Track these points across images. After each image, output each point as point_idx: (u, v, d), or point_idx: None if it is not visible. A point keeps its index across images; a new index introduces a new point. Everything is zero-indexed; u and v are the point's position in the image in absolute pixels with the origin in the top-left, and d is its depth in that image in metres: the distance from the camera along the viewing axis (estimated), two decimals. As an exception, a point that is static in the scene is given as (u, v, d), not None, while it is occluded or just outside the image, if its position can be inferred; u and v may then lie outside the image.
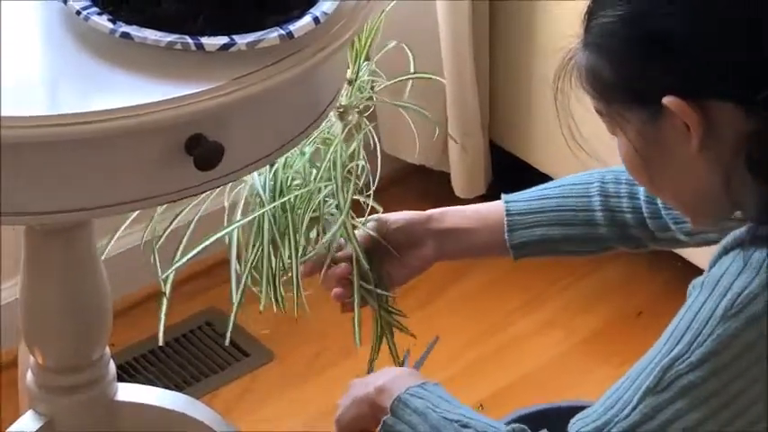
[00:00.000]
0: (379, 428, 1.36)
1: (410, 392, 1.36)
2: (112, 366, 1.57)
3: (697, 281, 1.23)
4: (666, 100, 1.23)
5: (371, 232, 1.58)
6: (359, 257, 1.57)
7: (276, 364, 2.11)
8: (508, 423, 1.31)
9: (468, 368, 2.00)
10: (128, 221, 1.64)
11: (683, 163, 1.29)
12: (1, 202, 1.20)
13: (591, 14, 1.29)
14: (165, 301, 1.61)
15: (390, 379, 1.40)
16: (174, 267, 1.60)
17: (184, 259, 1.59)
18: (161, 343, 1.58)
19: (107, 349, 1.55)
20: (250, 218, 1.60)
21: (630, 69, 1.27)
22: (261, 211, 1.59)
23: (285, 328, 1.97)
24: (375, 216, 1.60)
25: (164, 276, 1.60)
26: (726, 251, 1.22)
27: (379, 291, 1.60)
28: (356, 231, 1.58)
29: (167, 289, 1.61)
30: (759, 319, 1.18)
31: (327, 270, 1.59)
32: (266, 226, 1.60)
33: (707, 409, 1.19)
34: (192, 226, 1.61)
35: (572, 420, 1.24)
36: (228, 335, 1.73)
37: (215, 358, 2.13)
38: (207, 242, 1.59)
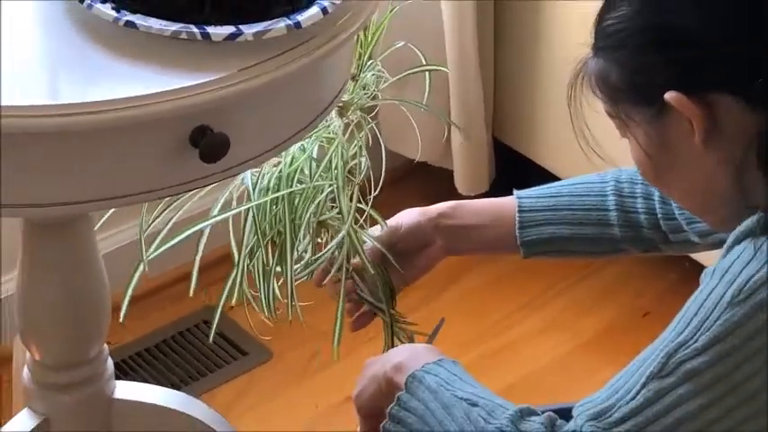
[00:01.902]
0: (392, 404, 1.37)
1: (425, 369, 1.37)
2: (110, 363, 1.57)
3: (708, 269, 1.24)
4: (668, 95, 1.25)
5: (379, 246, 1.59)
6: (366, 269, 1.59)
7: (274, 364, 2.13)
8: None
9: (469, 368, 2.00)
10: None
11: (690, 161, 1.30)
12: (0, 194, 1.20)
13: (599, 21, 1.33)
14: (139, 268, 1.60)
15: (408, 356, 1.41)
16: (151, 254, 1.60)
17: (160, 250, 1.59)
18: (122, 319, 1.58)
19: (105, 346, 1.55)
20: (232, 212, 1.60)
21: (634, 68, 1.30)
22: (246, 206, 1.59)
23: (284, 328, 1.97)
24: (385, 224, 1.61)
25: (142, 262, 1.59)
26: (738, 241, 1.23)
27: (383, 305, 1.61)
28: (365, 244, 1.59)
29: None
30: (766, 306, 1.18)
31: (333, 281, 1.60)
32: (249, 227, 1.60)
33: (711, 394, 1.20)
34: (172, 222, 1.62)
35: (577, 404, 1.25)
36: (213, 334, 1.74)
37: (213, 357, 2.14)
38: (183, 235, 1.60)
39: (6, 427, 1.57)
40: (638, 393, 1.20)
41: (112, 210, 1.55)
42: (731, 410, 1.20)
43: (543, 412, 1.33)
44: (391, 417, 1.36)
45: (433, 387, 1.34)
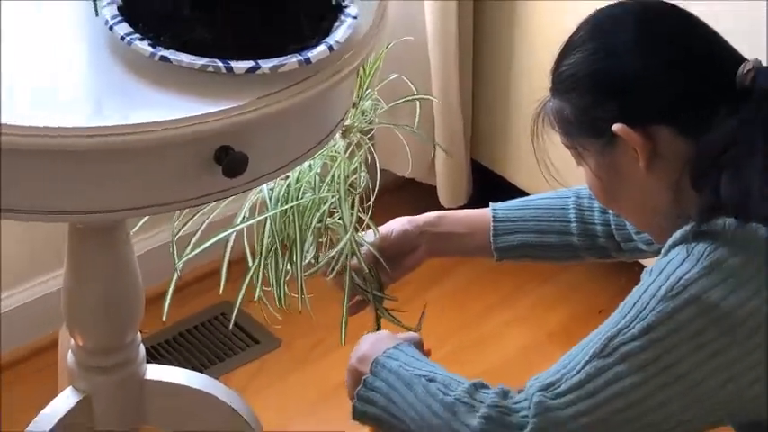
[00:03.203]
0: (359, 387, 1.36)
1: (386, 354, 1.36)
2: (142, 349, 1.57)
3: (648, 268, 1.24)
4: (615, 128, 1.27)
5: (373, 250, 1.60)
6: (361, 268, 1.59)
7: (282, 351, 2.12)
8: None
9: (447, 357, 2.00)
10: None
11: (635, 183, 1.31)
12: (48, 202, 1.20)
13: (556, 67, 1.34)
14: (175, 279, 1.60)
15: (369, 346, 1.39)
16: (184, 258, 1.61)
17: (193, 253, 1.60)
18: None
19: (138, 334, 1.55)
20: (253, 221, 1.61)
21: (585, 106, 1.31)
22: (263, 216, 1.60)
23: (291, 319, 1.97)
24: (377, 231, 1.61)
25: (179, 265, 1.60)
26: (674, 245, 1.24)
27: (376, 293, 1.62)
28: (362, 248, 1.60)
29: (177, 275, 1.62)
30: (695, 301, 1.18)
31: (335, 277, 1.60)
32: (267, 232, 1.60)
33: (643, 374, 1.19)
34: (202, 227, 1.62)
35: (531, 378, 1.25)
36: (232, 323, 1.79)
37: (230, 344, 2.13)
38: (211, 241, 1.60)
39: (53, 403, 1.56)
40: (581, 369, 1.20)
41: (146, 217, 1.54)
42: (661, 389, 1.19)
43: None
44: (359, 397, 1.35)
45: (395, 368, 1.33)
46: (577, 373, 1.21)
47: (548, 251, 1.59)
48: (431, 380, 1.30)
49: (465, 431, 1.24)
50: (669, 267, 1.21)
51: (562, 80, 1.33)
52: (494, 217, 1.59)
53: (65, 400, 1.54)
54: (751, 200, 1.20)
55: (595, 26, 1.33)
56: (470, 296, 2.22)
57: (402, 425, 1.32)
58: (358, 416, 1.37)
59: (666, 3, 1.33)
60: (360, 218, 1.61)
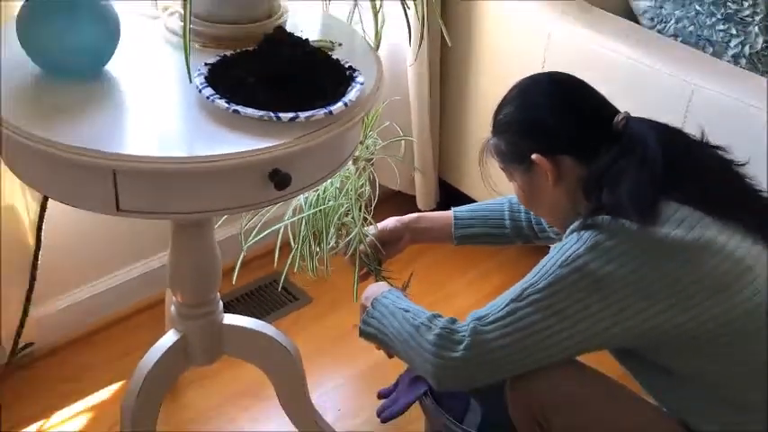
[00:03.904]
0: (364, 315, 1.39)
1: (382, 295, 1.40)
2: (221, 303, 1.56)
3: (553, 246, 1.26)
4: (533, 157, 1.29)
5: (373, 238, 1.62)
6: (366, 250, 1.62)
7: (313, 305, 2.10)
8: None
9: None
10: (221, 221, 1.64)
11: (547, 194, 1.32)
12: (161, 206, 1.20)
13: (495, 115, 1.35)
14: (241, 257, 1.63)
15: (373, 291, 1.43)
16: (248, 243, 1.66)
17: (255, 239, 1.65)
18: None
19: (217, 293, 1.54)
20: (295, 218, 1.64)
21: (514, 142, 1.32)
22: (301, 216, 1.63)
23: (321, 283, 1.98)
24: (376, 226, 1.63)
25: (245, 247, 1.65)
26: (570, 233, 1.25)
27: (376, 267, 1.64)
28: (367, 237, 1.62)
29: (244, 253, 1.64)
30: (580, 269, 1.19)
31: (350, 255, 1.63)
32: (303, 226, 1.63)
33: (541, 314, 1.21)
34: (261, 222, 1.65)
35: (471, 312, 1.27)
36: (280, 286, 1.83)
37: (278, 301, 2.12)
38: (266, 232, 1.64)
39: (161, 339, 1.55)
40: (503, 308, 1.23)
41: (225, 216, 1.60)
42: (553, 325, 1.21)
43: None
44: (363, 322, 1.39)
45: (386, 303, 1.37)
46: (500, 310, 1.23)
47: (490, 239, 1.61)
48: (406, 311, 1.33)
49: (424, 343, 1.26)
50: (565, 246, 1.23)
51: (499, 125, 1.34)
52: (454, 217, 1.61)
53: (169, 338, 1.54)
54: (621, 205, 1.21)
55: (521, 90, 1.34)
56: (438, 269, 2.21)
57: (389, 339, 1.35)
58: (362, 334, 1.40)
59: (567, 74, 1.34)
60: (365, 217, 1.64)
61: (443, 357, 1.24)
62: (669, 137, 1.28)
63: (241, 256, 1.68)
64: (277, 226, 1.66)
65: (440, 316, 1.29)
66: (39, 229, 1.73)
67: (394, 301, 1.37)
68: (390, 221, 1.63)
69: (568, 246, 1.22)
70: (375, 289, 1.43)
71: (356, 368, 1.92)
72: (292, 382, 1.66)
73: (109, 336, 1.97)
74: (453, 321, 1.27)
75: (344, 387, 1.90)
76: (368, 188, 1.66)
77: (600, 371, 1.30)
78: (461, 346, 1.23)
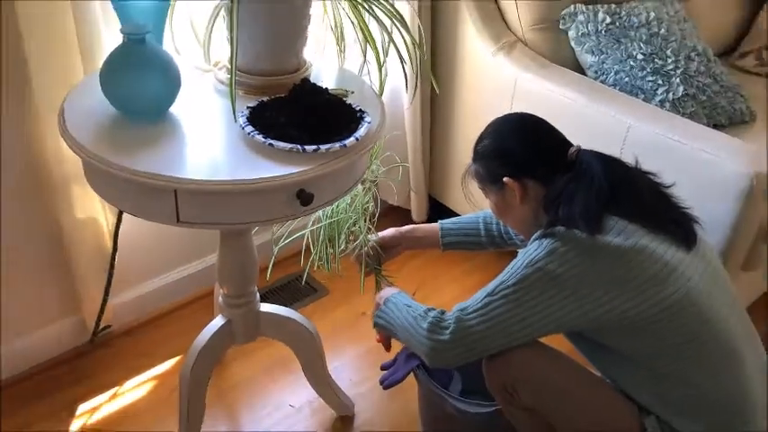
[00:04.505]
0: (376, 311, 1.37)
1: (392, 296, 1.38)
2: (258, 295, 1.55)
3: (521, 250, 1.24)
4: (505, 179, 1.27)
5: (376, 245, 1.59)
6: (370, 253, 1.60)
7: (330, 297, 2.08)
8: None
9: (417, 297, 1.98)
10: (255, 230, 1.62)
11: (515, 209, 1.31)
12: (211, 219, 1.20)
13: (476, 146, 1.34)
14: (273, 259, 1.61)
15: (386, 293, 1.40)
16: (278, 247, 1.64)
17: (284, 243, 1.61)
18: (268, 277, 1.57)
19: (255, 286, 1.53)
20: (314, 227, 1.62)
21: (489, 168, 1.31)
22: (319, 225, 1.61)
23: (335, 279, 1.98)
24: (377, 234, 1.61)
25: (275, 251, 1.62)
26: (533, 240, 1.23)
27: (377, 267, 1.62)
28: (370, 243, 1.59)
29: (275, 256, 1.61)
30: (541, 269, 1.18)
31: (357, 256, 1.60)
32: (321, 233, 1.62)
33: (511, 305, 1.19)
34: (288, 230, 1.63)
35: (456, 304, 1.25)
36: (303, 281, 1.78)
37: (302, 292, 2.09)
38: (292, 237, 1.62)
39: (211, 323, 1.54)
40: (481, 301, 1.21)
41: (256, 228, 1.57)
42: (520, 313, 1.19)
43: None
44: (376, 316, 1.37)
45: (394, 301, 1.35)
46: (478, 303, 1.22)
47: (469, 246, 1.59)
48: (408, 306, 1.32)
49: (420, 329, 1.25)
50: (529, 251, 1.22)
51: (478, 154, 1.34)
52: (441, 228, 1.59)
53: (217, 321, 1.54)
54: (573, 218, 1.21)
55: (495, 126, 1.33)
56: (428, 269, 2.18)
57: (394, 328, 1.33)
58: (375, 325, 1.38)
59: (531, 114, 1.33)
60: (369, 227, 1.62)
61: (434, 340, 1.23)
62: (611, 165, 1.27)
63: (272, 258, 1.66)
64: (300, 233, 1.65)
65: (432, 309, 1.29)
66: (115, 236, 1.73)
67: (400, 299, 1.36)
68: (389, 231, 1.61)
69: (532, 251, 1.21)
70: (387, 291, 1.42)
71: (364, 346, 1.91)
72: (314, 357, 1.66)
73: (170, 319, 1.96)
74: (442, 312, 1.27)
75: (355, 361, 1.89)
76: (372, 204, 1.65)
77: (561, 351, 1.29)
78: (448, 331, 1.22)
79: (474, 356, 1.24)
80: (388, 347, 1.42)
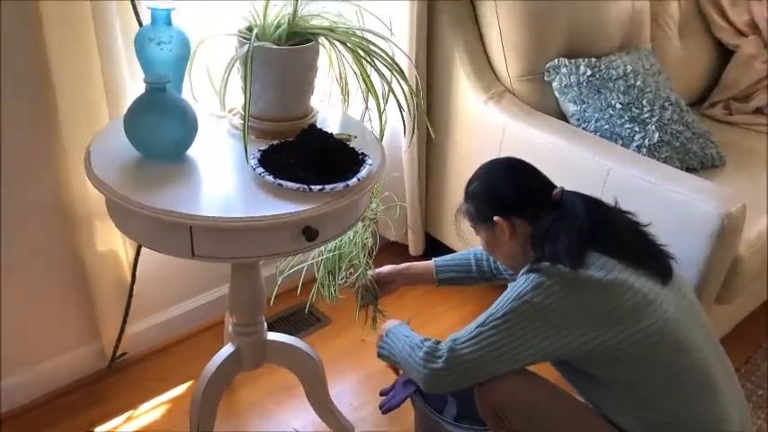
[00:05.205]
0: (379, 342, 1.37)
1: (392, 327, 1.37)
2: (265, 324, 1.54)
3: (510, 284, 1.24)
4: (495, 218, 1.28)
5: (373, 279, 1.58)
6: (368, 286, 1.59)
7: (332, 326, 2.06)
8: None
9: (413, 328, 1.96)
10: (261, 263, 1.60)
11: (505, 246, 1.31)
12: (224, 253, 1.19)
13: (467, 188, 1.34)
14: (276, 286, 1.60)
15: (388, 324, 1.40)
16: (281, 277, 1.63)
17: (285, 275, 1.61)
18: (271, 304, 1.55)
19: (263, 316, 1.52)
20: (317, 259, 1.61)
21: (480, 208, 1.31)
22: (321, 258, 1.60)
23: (336, 309, 1.96)
24: (374, 270, 1.61)
25: (278, 281, 1.61)
26: (522, 274, 1.23)
27: (373, 300, 1.61)
28: (368, 277, 1.58)
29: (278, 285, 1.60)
30: (528, 302, 1.18)
31: (355, 290, 1.60)
32: (323, 266, 1.60)
33: (500, 335, 1.18)
34: (291, 262, 1.62)
35: (449, 335, 1.25)
36: (306, 310, 1.76)
37: (305, 321, 2.08)
38: (294, 268, 1.62)
39: (221, 351, 1.53)
40: (472, 332, 1.21)
41: (262, 261, 1.56)
42: (510, 343, 1.18)
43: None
44: (379, 346, 1.37)
45: (395, 332, 1.35)
46: (470, 333, 1.22)
47: (462, 281, 1.58)
48: (407, 336, 1.32)
49: (416, 358, 1.25)
50: (517, 285, 1.22)
51: (469, 194, 1.34)
52: (435, 265, 1.59)
53: (227, 349, 1.53)
54: (558, 254, 1.21)
55: (485, 169, 1.34)
56: (422, 303, 2.17)
57: (395, 357, 1.33)
58: (379, 355, 1.38)
59: (518, 158, 1.34)
60: (368, 262, 1.61)
61: (429, 368, 1.23)
62: (593, 205, 1.28)
63: (275, 288, 1.66)
64: (302, 265, 1.65)
65: (428, 339, 1.29)
66: (134, 268, 1.73)
67: (400, 331, 1.37)
68: (386, 267, 1.61)
69: (519, 285, 1.20)
70: (389, 324, 1.42)
71: (364, 373, 1.90)
72: (316, 383, 1.65)
73: (183, 347, 1.95)
74: (437, 343, 1.27)
75: (355, 387, 1.88)
76: (371, 239, 1.64)
77: (548, 379, 1.28)
78: (441, 360, 1.22)
79: (467, 383, 1.24)
80: (396, 372, 1.43)
